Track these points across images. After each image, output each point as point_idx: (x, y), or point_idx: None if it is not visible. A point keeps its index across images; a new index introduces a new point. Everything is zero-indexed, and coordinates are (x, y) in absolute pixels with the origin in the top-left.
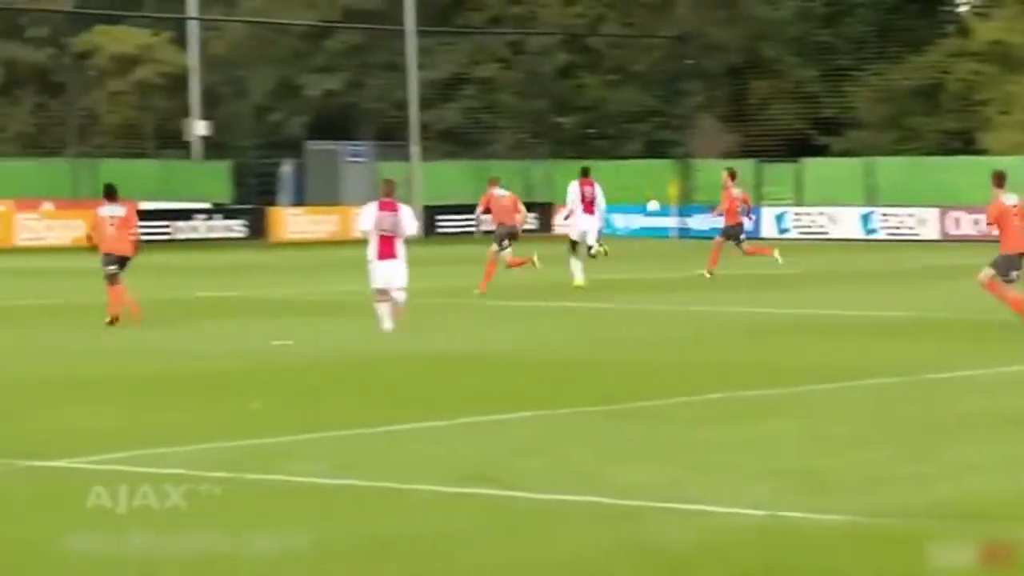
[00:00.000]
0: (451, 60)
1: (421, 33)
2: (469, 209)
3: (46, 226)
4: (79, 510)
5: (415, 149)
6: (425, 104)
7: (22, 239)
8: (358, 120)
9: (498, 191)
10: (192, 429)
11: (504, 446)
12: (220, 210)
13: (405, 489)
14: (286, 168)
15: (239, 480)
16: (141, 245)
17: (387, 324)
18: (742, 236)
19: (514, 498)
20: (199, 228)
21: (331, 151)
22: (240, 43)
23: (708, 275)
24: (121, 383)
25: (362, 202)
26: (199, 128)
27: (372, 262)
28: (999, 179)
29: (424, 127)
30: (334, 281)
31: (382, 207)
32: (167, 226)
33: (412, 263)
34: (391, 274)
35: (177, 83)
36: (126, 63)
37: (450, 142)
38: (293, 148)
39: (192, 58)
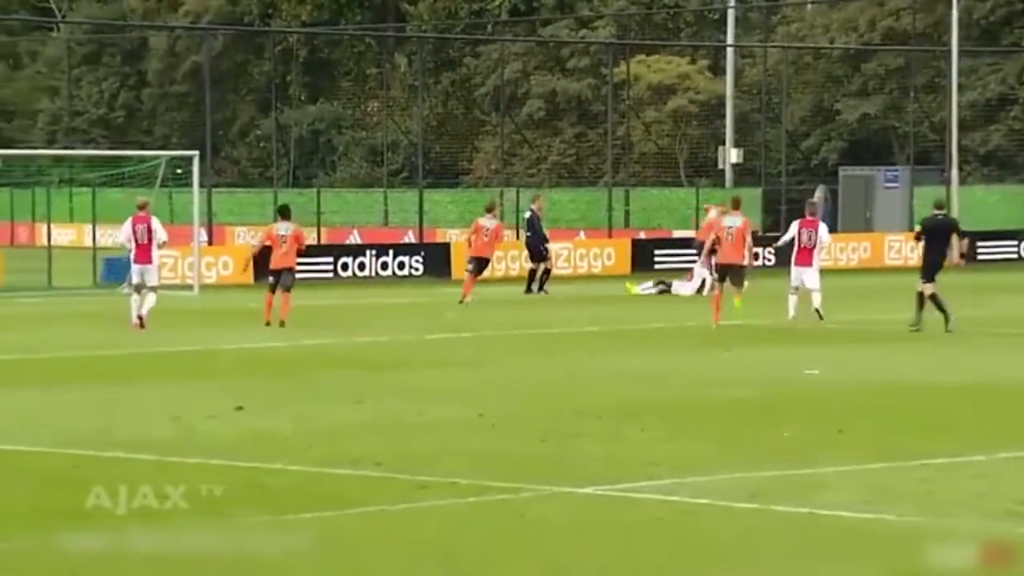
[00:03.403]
0: (997, 80)
1: (965, 53)
2: (1010, 235)
3: (579, 255)
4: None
5: (953, 173)
6: (966, 126)
7: (557, 267)
8: (893, 144)
9: (486, 221)
10: (720, 458)
11: None
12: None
13: (940, 526)
14: (819, 194)
15: (767, 512)
16: (299, 254)
17: (792, 313)
18: None
19: None
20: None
21: (866, 177)
22: (775, 69)
23: None
24: (648, 409)
25: (895, 229)
26: (732, 155)
27: (792, 266)
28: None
29: (964, 150)
30: (863, 310)
31: (803, 224)
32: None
33: (950, 290)
34: (805, 277)
35: (710, 111)
36: (662, 92)
37: (992, 165)
38: (826, 173)
39: (728, 85)
